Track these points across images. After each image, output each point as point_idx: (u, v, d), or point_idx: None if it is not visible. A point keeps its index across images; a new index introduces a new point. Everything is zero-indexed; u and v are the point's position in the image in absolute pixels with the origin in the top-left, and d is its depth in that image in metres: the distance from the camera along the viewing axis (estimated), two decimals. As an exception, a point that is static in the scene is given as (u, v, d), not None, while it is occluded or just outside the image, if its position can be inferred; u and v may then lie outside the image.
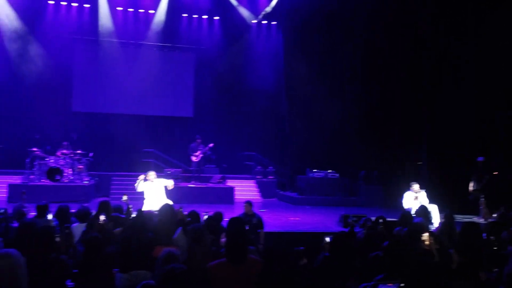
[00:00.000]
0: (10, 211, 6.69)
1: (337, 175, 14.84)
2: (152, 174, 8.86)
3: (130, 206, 7.06)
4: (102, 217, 5.36)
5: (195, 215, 6.40)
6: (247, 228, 6.78)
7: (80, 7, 16.44)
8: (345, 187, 14.77)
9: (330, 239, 4.75)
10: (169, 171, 14.49)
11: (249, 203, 8.03)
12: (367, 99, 15.46)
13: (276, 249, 3.88)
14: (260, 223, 7.84)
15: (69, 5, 16.36)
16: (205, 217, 6.73)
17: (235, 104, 17.51)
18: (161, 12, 16.64)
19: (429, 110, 13.78)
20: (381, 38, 14.70)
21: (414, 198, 9.07)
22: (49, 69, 15.72)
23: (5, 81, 15.40)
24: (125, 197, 7.16)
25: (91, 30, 16.42)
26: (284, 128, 17.30)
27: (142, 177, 8.56)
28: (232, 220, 4.10)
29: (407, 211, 7.43)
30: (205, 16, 17.34)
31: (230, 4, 16.87)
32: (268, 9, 17.02)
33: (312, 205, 13.80)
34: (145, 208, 7.88)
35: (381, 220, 6.55)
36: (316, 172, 14.76)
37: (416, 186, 9.21)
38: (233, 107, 17.52)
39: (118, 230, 5.55)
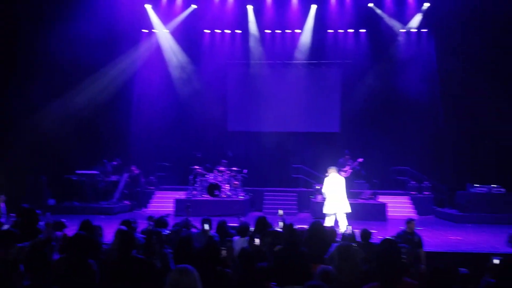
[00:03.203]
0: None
1: (504, 190, 13.38)
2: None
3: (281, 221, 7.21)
4: (257, 240, 5.53)
5: (366, 234, 6.43)
6: (408, 247, 6.51)
7: (233, 33, 17.66)
8: (514, 204, 13.21)
9: (499, 262, 4.26)
10: (318, 186, 14.55)
11: (412, 220, 7.69)
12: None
13: (445, 270, 3.57)
14: (420, 242, 7.48)
15: (222, 33, 17.69)
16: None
17: (385, 117, 16.73)
18: (307, 31, 17.00)
19: None
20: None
21: None
22: (207, 92, 17.11)
23: (171, 106, 17.16)
24: (280, 212, 7.35)
25: (243, 54, 17.48)
26: (440, 140, 16.17)
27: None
28: (385, 240, 3.96)
29: None
30: (351, 30, 17.21)
31: (377, 16, 16.46)
32: (418, 16, 16.26)
33: (474, 223, 12.68)
34: None
35: None
36: (478, 187, 13.50)
37: None
38: (383, 120, 16.78)
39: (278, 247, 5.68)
